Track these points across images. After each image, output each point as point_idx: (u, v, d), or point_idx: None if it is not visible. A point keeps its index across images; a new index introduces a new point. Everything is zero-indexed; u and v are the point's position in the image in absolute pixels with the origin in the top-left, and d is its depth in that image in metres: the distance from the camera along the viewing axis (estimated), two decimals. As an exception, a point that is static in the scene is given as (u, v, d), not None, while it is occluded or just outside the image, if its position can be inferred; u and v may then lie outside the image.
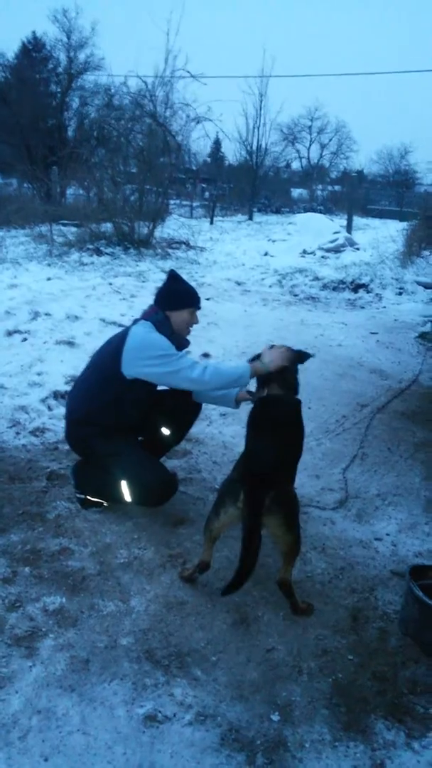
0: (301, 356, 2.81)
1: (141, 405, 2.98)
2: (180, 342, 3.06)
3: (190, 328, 3.12)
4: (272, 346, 2.83)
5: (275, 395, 2.66)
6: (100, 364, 3.05)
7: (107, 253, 11.09)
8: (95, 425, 2.99)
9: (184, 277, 3.25)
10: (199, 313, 3.14)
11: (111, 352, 2.94)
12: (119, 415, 2.97)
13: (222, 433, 4.10)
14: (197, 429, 3.45)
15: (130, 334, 2.93)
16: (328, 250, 12.97)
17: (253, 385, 2.89)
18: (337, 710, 2.02)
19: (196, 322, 3.13)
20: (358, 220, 20.14)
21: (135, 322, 3.05)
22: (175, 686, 2.06)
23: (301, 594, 2.48)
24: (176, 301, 3.02)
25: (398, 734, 1.95)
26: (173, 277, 3.10)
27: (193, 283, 3.21)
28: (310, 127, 45.89)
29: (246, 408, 2.78)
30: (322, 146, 47.10)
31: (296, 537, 2.37)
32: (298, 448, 2.58)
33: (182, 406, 3.13)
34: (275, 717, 1.97)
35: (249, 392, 2.98)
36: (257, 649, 2.25)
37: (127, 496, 2.96)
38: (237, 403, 3.14)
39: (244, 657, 2.21)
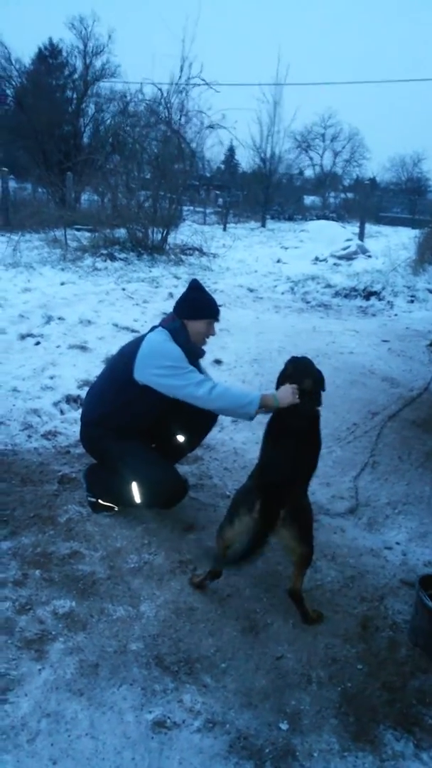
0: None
1: (154, 410, 2.98)
2: (195, 351, 3.06)
3: (207, 339, 3.13)
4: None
5: (294, 405, 2.63)
6: (114, 368, 3.07)
7: (121, 259, 11.14)
8: (108, 428, 3.02)
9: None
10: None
11: (125, 357, 2.97)
12: (132, 419, 2.99)
13: (233, 439, 4.10)
14: (209, 435, 3.46)
15: (145, 340, 2.95)
16: (340, 258, 12.96)
17: None
18: (346, 720, 2.01)
19: (213, 333, 3.13)
20: (370, 228, 20.12)
21: (153, 329, 3.07)
22: (185, 692, 2.06)
23: (311, 602, 2.48)
24: (194, 311, 3.03)
25: (407, 745, 1.94)
26: (195, 286, 3.11)
27: (206, 288, 3.21)
28: (323, 135, 46.06)
29: (260, 416, 2.77)
30: (335, 154, 47.23)
31: (309, 549, 2.37)
32: (314, 459, 2.57)
33: (200, 413, 3.11)
34: (284, 725, 1.97)
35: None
36: (266, 656, 2.25)
37: (137, 498, 2.97)
38: (252, 417, 3.12)
39: (253, 664, 2.20)
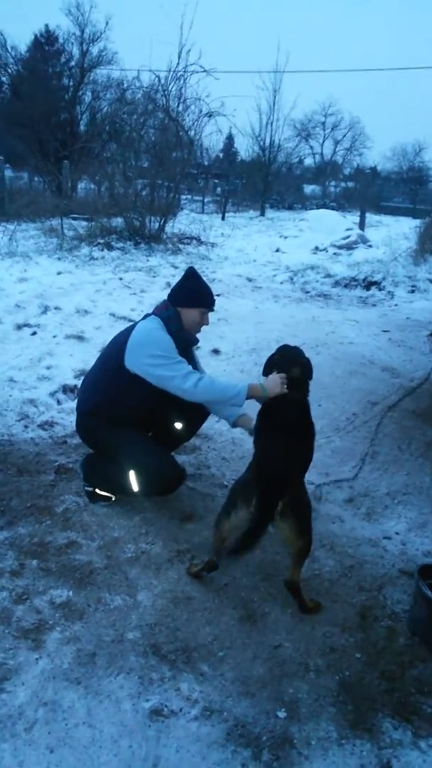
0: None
1: (149, 398, 2.94)
2: (188, 339, 3.04)
3: (200, 328, 3.10)
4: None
5: (283, 395, 2.60)
6: (107, 357, 3.06)
7: (118, 248, 11.08)
8: (104, 417, 3.00)
9: (196, 273, 3.23)
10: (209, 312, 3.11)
11: (117, 345, 2.95)
12: (127, 408, 2.97)
13: (231, 429, 4.08)
14: (206, 425, 3.44)
15: (136, 328, 2.93)
16: (340, 247, 12.90)
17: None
18: (344, 708, 2.01)
19: (207, 323, 3.11)
20: (370, 217, 20.04)
21: (145, 317, 3.05)
22: (182, 681, 2.06)
23: (310, 591, 2.47)
24: (189, 299, 3.01)
25: (405, 733, 1.94)
26: (191, 274, 3.08)
27: (202, 277, 3.18)
28: (323, 123, 45.85)
29: (254, 405, 2.74)
30: (336, 142, 47.06)
31: (308, 540, 2.36)
32: (310, 449, 2.56)
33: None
34: (282, 714, 1.97)
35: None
36: (264, 645, 2.24)
37: (135, 486, 2.95)
38: (233, 426, 3.11)
39: (251, 653, 2.20)
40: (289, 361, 2.65)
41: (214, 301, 3.09)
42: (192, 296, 3.02)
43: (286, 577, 2.42)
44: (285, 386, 2.58)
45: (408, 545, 2.96)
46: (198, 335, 3.14)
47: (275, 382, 2.59)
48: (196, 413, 3.17)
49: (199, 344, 3.28)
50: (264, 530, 2.27)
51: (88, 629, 2.25)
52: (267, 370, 2.71)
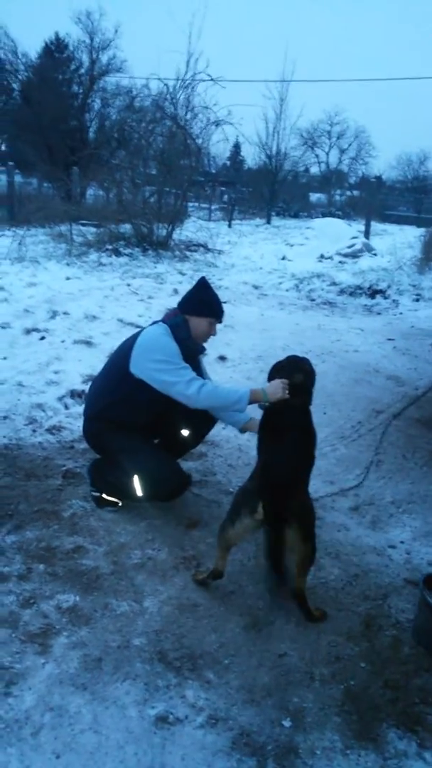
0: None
1: (155, 404, 2.95)
2: (195, 347, 3.06)
3: (208, 338, 3.12)
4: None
5: (284, 401, 2.61)
6: (114, 363, 3.08)
7: (126, 254, 11.14)
8: (110, 422, 3.02)
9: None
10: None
11: (123, 351, 2.98)
12: (133, 413, 2.99)
13: (237, 436, 4.09)
14: (213, 431, 3.45)
15: (142, 333, 2.96)
16: (345, 255, 12.93)
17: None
18: (348, 718, 2.01)
19: (214, 333, 3.13)
20: (375, 226, 20.07)
21: (153, 323, 3.07)
22: (187, 688, 2.06)
23: (314, 600, 2.48)
24: (198, 308, 3.03)
25: (410, 744, 1.94)
26: (202, 284, 3.12)
27: (213, 288, 3.20)
28: (329, 132, 45.83)
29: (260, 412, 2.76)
30: (342, 151, 47.00)
31: (312, 547, 2.37)
32: (312, 454, 2.57)
33: None
34: (287, 723, 1.97)
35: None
36: (269, 653, 2.25)
37: (139, 491, 2.96)
38: (242, 431, 3.16)
39: (256, 661, 2.20)
40: (293, 368, 2.67)
41: (223, 312, 3.12)
42: (202, 305, 3.04)
43: (291, 586, 2.42)
44: (286, 392, 2.59)
45: (413, 554, 2.96)
46: (205, 344, 3.16)
47: (276, 387, 2.61)
48: (203, 420, 3.18)
49: (206, 352, 3.29)
50: (283, 536, 2.29)
51: (94, 635, 2.26)
52: (271, 377, 2.73)
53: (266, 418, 2.61)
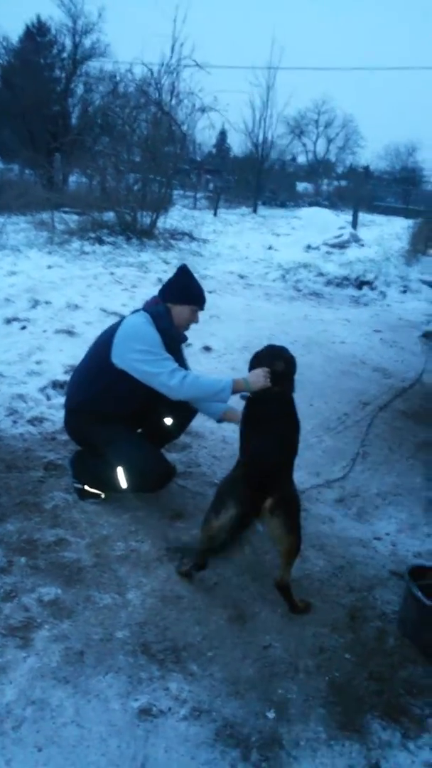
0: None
1: (137, 394, 2.90)
2: (177, 336, 3.02)
3: (189, 326, 3.09)
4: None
5: (267, 391, 2.60)
6: (95, 353, 3.03)
7: (109, 243, 11.03)
8: (91, 413, 2.98)
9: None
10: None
11: (104, 340, 2.93)
12: (115, 404, 2.95)
13: (222, 427, 4.05)
14: (197, 423, 3.43)
15: (123, 323, 2.91)
16: (332, 246, 12.91)
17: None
18: (333, 709, 2.01)
19: (196, 321, 3.09)
20: (363, 217, 20.07)
21: (134, 312, 3.02)
22: (171, 680, 2.05)
23: (300, 592, 2.47)
24: (180, 296, 2.99)
25: (394, 734, 1.94)
26: (183, 271, 3.07)
27: (195, 275, 3.16)
28: (317, 121, 45.86)
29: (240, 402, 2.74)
30: (329, 140, 47.07)
31: (297, 538, 2.35)
32: (296, 443, 2.55)
33: None
34: (271, 714, 1.96)
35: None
36: (254, 645, 2.23)
37: (123, 483, 2.93)
38: (219, 420, 3.14)
39: (240, 653, 2.19)
40: (273, 357, 2.66)
41: (205, 299, 3.08)
42: (184, 293, 3.00)
43: (276, 578, 2.41)
44: (268, 380, 2.58)
45: (398, 546, 2.96)
46: (188, 332, 3.12)
47: (258, 376, 2.60)
48: (186, 408, 3.15)
49: (189, 341, 3.26)
50: (248, 526, 2.27)
51: (76, 627, 2.23)
52: (252, 367, 2.72)
53: (249, 407, 2.59)
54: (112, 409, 2.96)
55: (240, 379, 2.68)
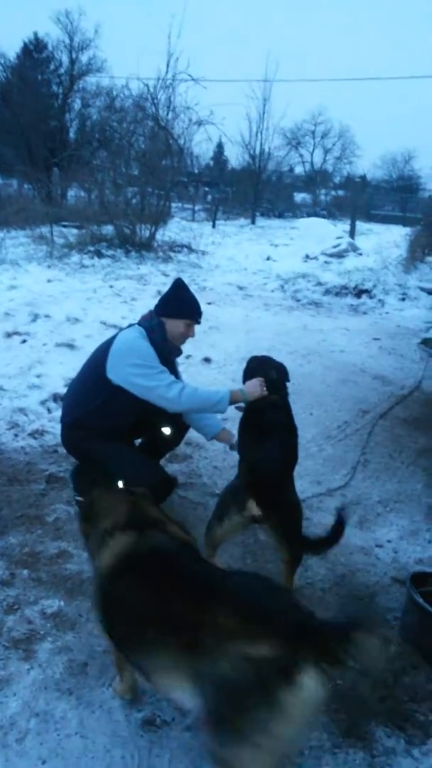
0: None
1: (134, 408, 2.90)
2: (171, 350, 3.01)
3: (185, 340, 3.08)
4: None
5: (263, 398, 2.65)
6: (90, 369, 3.01)
7: (108, 256, 11.09)
8: (89, 428, 2.96)
9: (186, 281, 3.22)
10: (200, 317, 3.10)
11: (99, 356, 2.92)
12: (112, 419, 2.94)
13: (222, 436, 4.09)
14: (198, 433, 3.44)
15: (117, 337, 2.90)
16: (331, 255, 12.95)
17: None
18: (336, 717, 2.01)
19: (192, 335, 3.08)
20: (361, 225, 20.14)
21: (129, 326, 3.03)
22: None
23: (302, 600, 2.46)
24: (174, 309, 2.98)
25: (398, 741, 1.94)
26: (178, 285, 3.06)
27: (194, 287, 3.18)
28: (313, 132, 46.04)
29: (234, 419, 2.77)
30: (326, 151, 47.24)
31: (298, 544, 2.36)
32: (295, 448, 2.57)
33: None
34: (275, 723, 1.96)
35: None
36: (257, 654, 2.23)
37: None
38: (211, 439, 3.17)
39: (243, 662, 2.19)
40: (265, 366, 2.76)
41: (200, 313, 3.07)
42: (177, 307, 2.99)
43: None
44: (264, 389, 2.64)
45: (400, 553, 2.97)
46: (188, 344, 3.13)
47: (254, 385, 2.67)
48: (183, 418, 3.16)
49: (189, 353, 3.27)
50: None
51: (79, 639, 2.24)
52: (246, 379, 2.80)
53: (247, 416, 2.62)
54: (110, 424, 2.96)
55: (237, 390, 2.72)
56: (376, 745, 1.92)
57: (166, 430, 3.16)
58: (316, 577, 2.71)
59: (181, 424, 3.21)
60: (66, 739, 1.85)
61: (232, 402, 2.73)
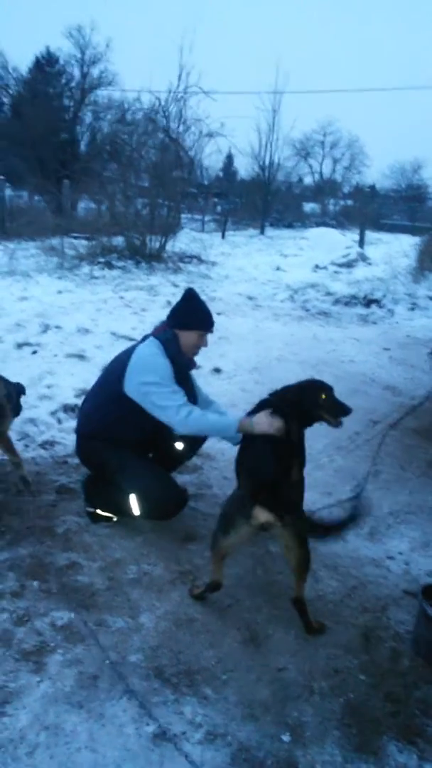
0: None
1: (150, 422, 2.91)
2: (186, 363, 3.03)
3: (198, 351, 3.10)
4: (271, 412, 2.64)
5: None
6: (108, 380, 3.04)
7: (118, 267, 11.15)
8: (104, 440, 2.99)
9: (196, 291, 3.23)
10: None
11: (117, 369, 2.94)
12: (128, 430, 2.97)
13: (233, 448, 4.05)
14: (208, 444, 3.44)
15: (135, 352, 2.92)
16: (340, 265, 12.96)
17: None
18: (348, 731, 1.99)
19: (205, 345, 3.09)
20: (370, 235, 20.13)
21: (144, 338, 3.05)
22: (185, 704, 2.04)
23: (313, 613, 2.45)
24: (188, 321, 3.00)
25: (410, 756, 1.92)
26: (189, 296, 3.07)
27: (204, 298, 3.18)
28: (322, 142, 46.25)
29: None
30: (335, 161, 47.42)
31: (308, 551, 2.36)
32: (291, 453, 2.54)
33: None
34: (286, 737, 1.95)
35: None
36: (268, 668, 2.22)
37: (136, 510, 2.95)
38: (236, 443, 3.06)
39: (254, 676, 2.18)
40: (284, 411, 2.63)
41: (212, 322, 3.08)
42: (190, 318, 3.01)
43: (293, 596, 2.40)
44: (273, 428, 2.55)
45: (411, 565, 2.94)
46: (198, 354, 3.14)
47: (266, 423, 2.57)
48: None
49: (199, 364, 3.27)
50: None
51: (89, 652, 2.23)
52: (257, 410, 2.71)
53: (246, 442, 2.65)
54: (125, 436, 2.98)
55: (246, 421, 2.67)
56: (388, 760, 1.90)
57: (179, 445, 3.16)
58: (327, 589, 2.70)
59: (194, 440, 3.21)
60: (76, 752, 1.84)
61: (240, 430, 2.69)
